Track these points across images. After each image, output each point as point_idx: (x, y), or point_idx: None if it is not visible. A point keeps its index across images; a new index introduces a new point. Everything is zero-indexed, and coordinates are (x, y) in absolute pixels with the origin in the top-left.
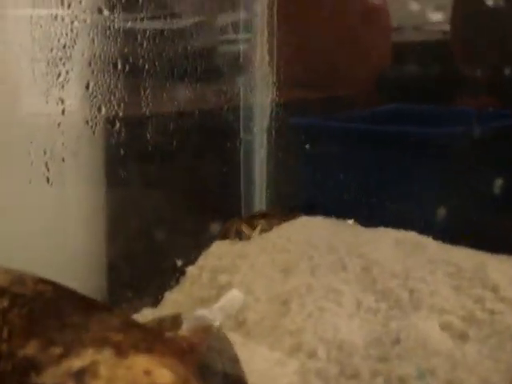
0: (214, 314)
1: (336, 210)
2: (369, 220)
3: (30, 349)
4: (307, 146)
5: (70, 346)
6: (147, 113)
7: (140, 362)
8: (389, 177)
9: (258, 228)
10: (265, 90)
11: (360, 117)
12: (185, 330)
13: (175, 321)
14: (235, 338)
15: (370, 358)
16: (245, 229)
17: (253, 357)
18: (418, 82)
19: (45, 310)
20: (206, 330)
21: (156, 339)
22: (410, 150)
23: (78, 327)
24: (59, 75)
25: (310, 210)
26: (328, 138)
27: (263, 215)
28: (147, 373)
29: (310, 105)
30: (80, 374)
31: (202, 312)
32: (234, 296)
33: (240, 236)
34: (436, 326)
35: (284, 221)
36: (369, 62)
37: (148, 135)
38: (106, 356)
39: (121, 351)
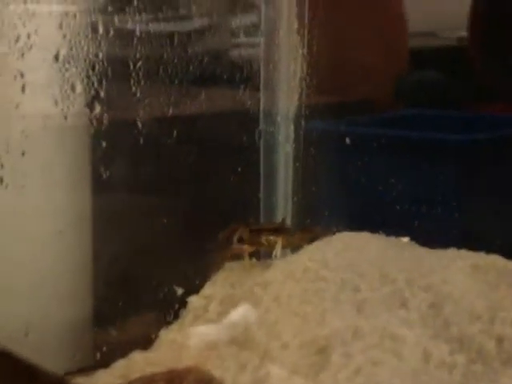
0: (220, 331)
1: (382, 226)
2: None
3: None
4: (348, 141)
5: None
6: (138, 94)
7: None
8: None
9: (279, 246)
10: (292, 64)
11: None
12: None
13: (173, 380)
14: None
15: None
16: (249, 240)
17: None
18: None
19: None
20: None
21: None
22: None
23: None
24: (18, 39)
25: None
26: (368, 143)
27: (275, 230)
28: None
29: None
30: None
31: (206, 330)
32: (245, 312)
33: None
34: None
35: (312, 238)
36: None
37: (140, 125)
38: None
39: None
